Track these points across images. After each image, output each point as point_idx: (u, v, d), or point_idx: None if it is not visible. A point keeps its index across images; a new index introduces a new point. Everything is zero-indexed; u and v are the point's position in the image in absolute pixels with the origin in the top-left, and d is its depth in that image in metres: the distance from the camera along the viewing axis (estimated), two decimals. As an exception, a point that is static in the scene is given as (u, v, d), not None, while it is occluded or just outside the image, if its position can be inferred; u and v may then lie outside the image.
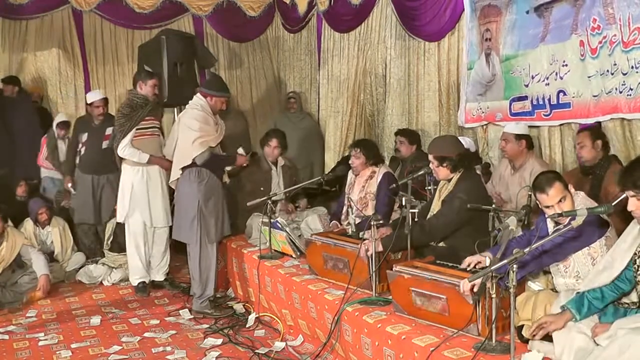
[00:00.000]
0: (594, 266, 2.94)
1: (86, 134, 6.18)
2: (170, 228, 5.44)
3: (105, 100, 6.17)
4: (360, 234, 4.31)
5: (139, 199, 5.39)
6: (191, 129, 4.84)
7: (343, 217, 5.09)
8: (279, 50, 8.56)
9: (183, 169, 4.91)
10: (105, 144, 6.09)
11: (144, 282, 5.52)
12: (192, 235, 4.88)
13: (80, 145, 6.21)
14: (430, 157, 4.04)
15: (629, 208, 2.59)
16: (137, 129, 5.30)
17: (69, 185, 6.29)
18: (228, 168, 5.23)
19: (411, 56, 6.27)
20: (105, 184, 6.19)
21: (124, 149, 5.30)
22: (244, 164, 5.29)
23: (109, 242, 5.97)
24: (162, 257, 5.66)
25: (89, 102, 6.18)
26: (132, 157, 5.32)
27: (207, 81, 5.39)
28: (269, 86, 8.60)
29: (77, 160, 6.24)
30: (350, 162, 5.07)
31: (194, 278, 4.96)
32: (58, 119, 6.89)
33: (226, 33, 8.32)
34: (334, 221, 5.08)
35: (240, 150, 5.26)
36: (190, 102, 5.07)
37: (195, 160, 4.84)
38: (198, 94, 5.04)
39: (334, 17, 7.33)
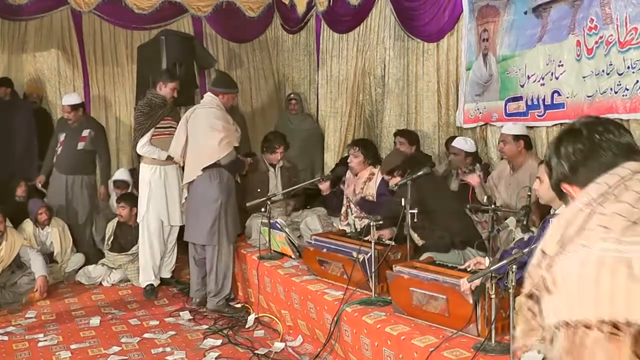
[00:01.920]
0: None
1: (64, 134, 6.24)
2: (181, 227, 5.47)
3: (74, 107, 6.21)
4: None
5: (156, 197, 5.42)
6: (215, 130, 4.83)
7: (342, 217, 5.10)
8: (278, 50, 8.56)
9: (203, 169, 4.89)
10: (81, 145, 6.19)
11: (152, 285, 5.52)
12: (213, 235, 4.88)
13: (58, 145, 6.26)
14: (384, 176, 4.46)
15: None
16: (155, 128, 5.34)
17: (39, 185, 6.32)
18: None
19: (410, 57, 6.27)
20: (80, 184, 6.26)
21: (143, 146, 5.35)
22: (247, 170, 5.35)
23: (109, 242, 5.96)
24: (170, 255, 5.72)
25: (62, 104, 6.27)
26: (151, 154, 5.37)
27: (216, 79, 5.39)
28: (268, 86, 8.60)
29: (54, 160, 6.28)
30: (348, 161, 5.07)
31: (211, 278, 4.96)
32: (117, 175, 6.60)
33: (225, 33, 8.31)
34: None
35: (247, 159, 5.40)
36: (202, 102, 5.07)
37: (220, 161, 4.83)
38: (209, 93, 5.04)
39: (332, 18, 7.33)
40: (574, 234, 1.30)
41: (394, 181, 4.24)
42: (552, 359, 1.26)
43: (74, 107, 6.23)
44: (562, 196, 1.57)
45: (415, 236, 4.21)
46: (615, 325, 1.18)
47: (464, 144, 5.09)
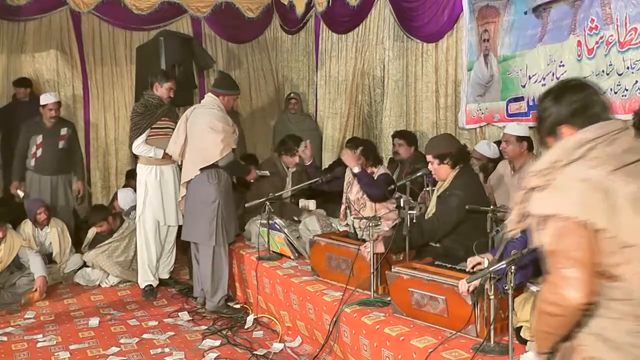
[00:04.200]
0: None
1: (40, 136, 6.17)
2: (179, 227, 5.45)
3: (58, 104, 6.24)
4: (359, 235, 4.33)
5: (152, 197, 5.42)
6: (214, 130, 4.82)
7: (341, 217, 5.09)
8: (277, 51, 8.56)
9: (201, 169, 4.88)
10: (61, 144, 6.21)
11: (151, 285, 5.52)
12: (210, 235, 4.88)
13: (34, 148, 6.18)
14: (429, 157, 3.93)
15: None
16: (151, 128, 5.34)
17: (18, 191, 6.20)
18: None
19: (409, 57, 6.27)
20: (64, 184, 6.29)
21: (138, 146, 5.34)
22: (252, 180, 5.34)
23: (86, 247, 5.95)
24: (168, 256, 5.71)
25: (42, 104, 6.16)
26: (146, 153, 5.36)
27: (218, 80, 5.38)
28: (267, 87, 8.60)
29: (32, 163, 6.18)
30: None
31: (206, 278, 4.95)
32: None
33: (224, 34, 8.31)
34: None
35: (260, 172, 5.38)
36: (202, 102, 5.08)
37: (218, 162, 4.83)
38: (210, 94, 5.04)
39: (332, 19, 7.33)
40: (579, 156, 1.73)
41: (443, 171, 3.89)
42: (537, 240, 1.75)
43: (60, 105, 6.26)
44: (555, 137, 1.90)
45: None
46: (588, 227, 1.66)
47: (487, 149, 4.98)
